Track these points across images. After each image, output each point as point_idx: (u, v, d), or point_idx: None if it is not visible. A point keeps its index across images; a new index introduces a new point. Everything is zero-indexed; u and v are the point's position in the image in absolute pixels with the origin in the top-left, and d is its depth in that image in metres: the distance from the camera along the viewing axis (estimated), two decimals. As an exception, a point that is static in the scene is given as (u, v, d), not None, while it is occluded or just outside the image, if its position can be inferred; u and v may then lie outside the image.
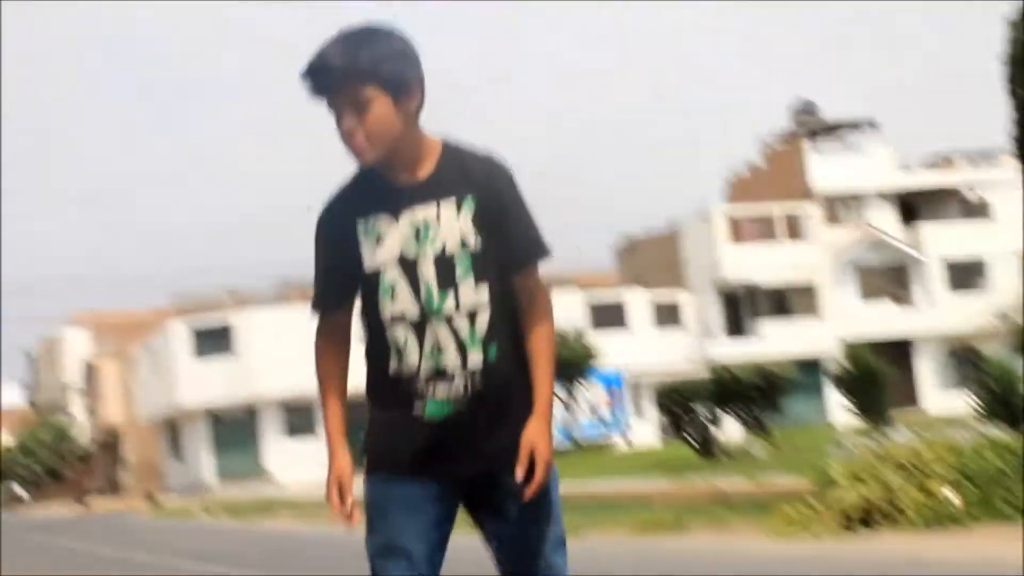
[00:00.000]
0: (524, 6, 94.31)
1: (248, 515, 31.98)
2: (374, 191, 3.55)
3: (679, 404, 29.65)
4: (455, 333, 3.51)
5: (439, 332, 3.51)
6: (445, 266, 3.52)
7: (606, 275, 65.33)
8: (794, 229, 60.80)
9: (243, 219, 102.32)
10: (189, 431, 56.99)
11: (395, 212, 3.52)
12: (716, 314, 60.11)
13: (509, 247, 3.57)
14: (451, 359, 3.51)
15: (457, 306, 3.52)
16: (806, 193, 61.33)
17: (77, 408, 75.62)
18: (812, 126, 64.90)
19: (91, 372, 71.22)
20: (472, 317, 3.52)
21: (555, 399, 3.67)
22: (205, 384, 54.21)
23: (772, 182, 62.48)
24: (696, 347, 58.29)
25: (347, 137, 3.47)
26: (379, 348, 3.56)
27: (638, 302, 59.83)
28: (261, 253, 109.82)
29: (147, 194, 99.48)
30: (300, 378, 52.76)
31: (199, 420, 55.78)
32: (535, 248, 3.62)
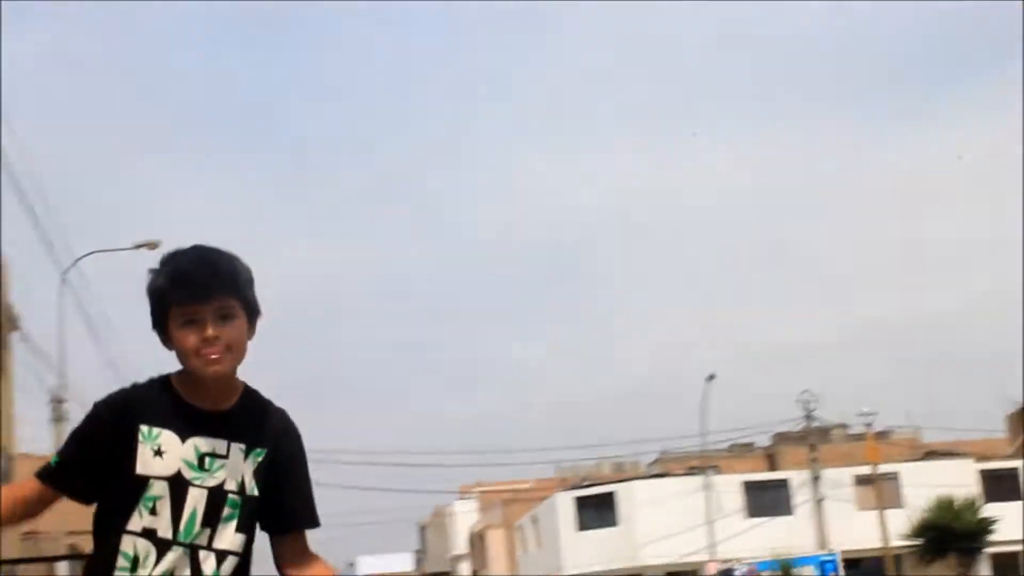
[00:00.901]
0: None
1: None
2: (170, 404, 3.46)
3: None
4: (196, 568, 3.40)
5: (180, 561, 3.39)
6: (215, 502, 3.42)
7: (1000, 443, 62.63)
8: None
9: (626, 392, 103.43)
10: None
11: (184, 433, 3.43)
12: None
13: (288, 508, 3.54)
14: None
15: (210, 543, 3.42)
16: None
17: (465, 576, 77.22)
18: None
19: (478, 541, 72.61)
20: (220, 560, 3.43)
21: None
22: (588, 554, 54.45)
23: None
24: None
25: (206, 343, 3.38)
26: (108, 559, 3.40)
27: (1034, 471, 56.86)
28: (640, 425, 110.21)
29: (541, 371, 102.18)
30: (683, 547, 52.82)
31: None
32: (312, 516, 3.59)
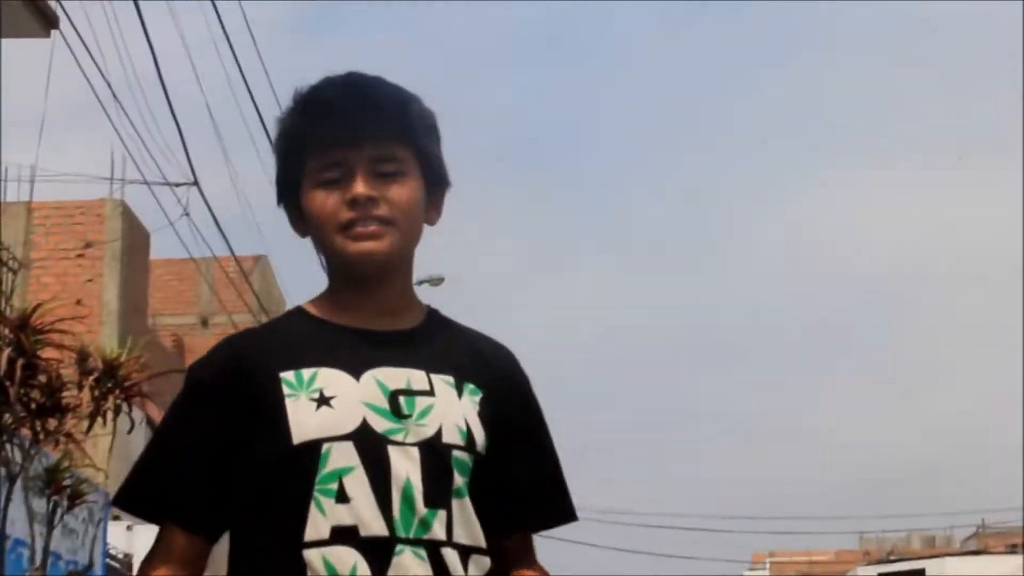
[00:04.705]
0: None
1: None
2: (319, 333, 2.31)
3: None
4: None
5: (414, 570, 2.18)
6: (438, 465, 2.23)
7: None
8: None
9: (940, 459, 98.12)
10: None
11: (356, 365, 2.27)
12: None
13: (524, 491, 2.36)
14: None
15: (450, 534, 2.23)
16: None
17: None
18: None
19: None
20: (466, 558, 2.23)
21: None
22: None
23: None
24: None
25: (355, 207, 2.26)
26: None
27: None
28: (958, 496, 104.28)
29: (845, 433, 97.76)
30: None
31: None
32: (567, 508, 2.43)
